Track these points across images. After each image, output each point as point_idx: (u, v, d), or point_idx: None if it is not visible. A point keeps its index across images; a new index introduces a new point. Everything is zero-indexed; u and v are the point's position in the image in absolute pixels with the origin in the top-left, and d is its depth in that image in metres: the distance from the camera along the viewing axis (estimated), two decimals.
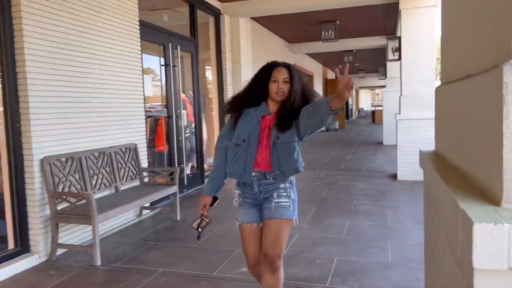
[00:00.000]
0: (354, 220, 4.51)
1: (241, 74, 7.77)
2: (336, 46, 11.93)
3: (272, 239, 2.16)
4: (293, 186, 2.28)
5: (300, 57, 13.62)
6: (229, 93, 7.62)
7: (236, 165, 2.19)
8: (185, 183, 6.07)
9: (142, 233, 4.32)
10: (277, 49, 10.83)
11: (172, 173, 4.87)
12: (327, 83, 19.36)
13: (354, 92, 31.74)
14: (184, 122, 6.40)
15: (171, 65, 5.79)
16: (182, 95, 7.01)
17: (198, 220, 2.26)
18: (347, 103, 20.02)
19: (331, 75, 20.92)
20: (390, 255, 3.49)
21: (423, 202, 1.95)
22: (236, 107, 2.27)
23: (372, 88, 37.77)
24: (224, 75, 7.55)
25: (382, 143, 11.77)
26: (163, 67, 5.75)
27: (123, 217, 4.51)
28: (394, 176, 6.77)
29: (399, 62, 6.93)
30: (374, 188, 6.06)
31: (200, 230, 2.26)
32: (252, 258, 2.27)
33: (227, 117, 2.35)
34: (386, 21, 9.75)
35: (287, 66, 2.23)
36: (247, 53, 8.09)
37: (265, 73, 2.20)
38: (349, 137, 14.39)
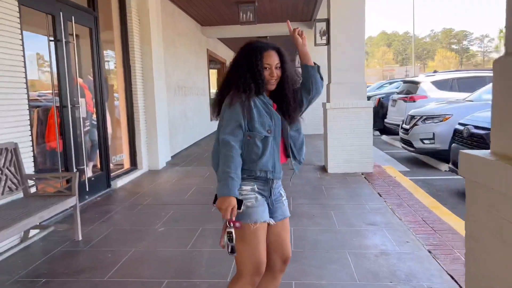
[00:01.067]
0: (298, 224, 3.88)
1: (152, 57, 6.70)
2: (251, 32, 11.30)
3: (288, 238, 2.06)
4: None
5: (213, 42, 12.74)
6: (138, 79, 6.51)
7: (265, 159, 1.87)
8: (87, 189, 4.92)
9: (28, 264, 3.18)
10: (189, 32, 9.83)
11: (69, 179, 3.75)
12: None
13: None
14: (82, 113, 5.21)
15: (63, 41, 4.57)
16: (79, 80, 5.78)
17: (228, 231, 1.76)
18: None
19: None
20: (354, 271, 2.90)
21: (467, 210, 1.38)
22: (245, 95, 1.87)
23: None
24: (132, 58, 6.41)
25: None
26: (52, 44, 4.50)
27: None
28: (323, 169, 6.35)
29: (326, 48, 6.48)
30: (308, 183, 5.53)
31: (233, 242, 1.76)
32: (264, 265, 1.90)
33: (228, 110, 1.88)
34: (306, 6, 9.35)
35: (277, 49, 1.97)
36: (157, 33, 7.02)
37: (257, 57, 1.89)
38: None
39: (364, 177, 5.82)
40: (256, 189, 1.89)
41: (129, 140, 6.51)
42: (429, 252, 3.19)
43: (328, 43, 6.32)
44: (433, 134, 6.44)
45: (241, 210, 1.78)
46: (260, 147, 1.86)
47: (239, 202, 1.78)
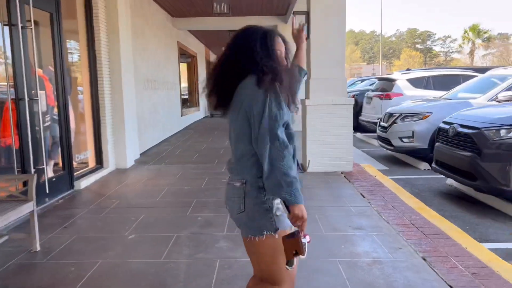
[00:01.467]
0: None
1: (119, 48, 6.23)
2: (224, 25, 10.94)
3: None
4: None
5: (183, 34, 12.26)
6: (105, 71, 6.04)
7: (294, 161, 1.61)
8: (46, 190, 4.45)
9: None
10: (159, 23, 9.35)
11: (26, 182, 3.31)
12: (209, 65, 18.28)
13: None
14: (42, 106, 4.74)
15: (19, 25, 4.08)
16: (39, 71, 5.29)
17: (303, 242, 1.54)
18: None
19: (213, 57, 19.93)
20: (348, 283, 2.65)
21: None
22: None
23: None
24: (98, 48, 5.93)
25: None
26: (6, 29, 4.01)
27: None
28: (302, 168, 6.11)
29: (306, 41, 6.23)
30: None
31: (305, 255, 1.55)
32: None
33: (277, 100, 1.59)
34: None
35: (281, 36, 1.78)
36: (126, 21, 6.55)
37: (273, 42, 1.70)
38: None
39: (344, 177, 5.63)
40: None
41: (94, 136, 6.03)
42: (424, 259, 2.99)
43: (308, 37, 6.06)
44: (413, 132, 6.33)
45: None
46: (292, 150, 1.61)
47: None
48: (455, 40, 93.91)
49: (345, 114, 5.85)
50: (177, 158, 7.22)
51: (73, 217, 4.04)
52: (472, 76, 8.67)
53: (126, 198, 4.76)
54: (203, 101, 16.21)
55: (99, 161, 6.10)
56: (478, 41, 33.36)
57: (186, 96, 14.17)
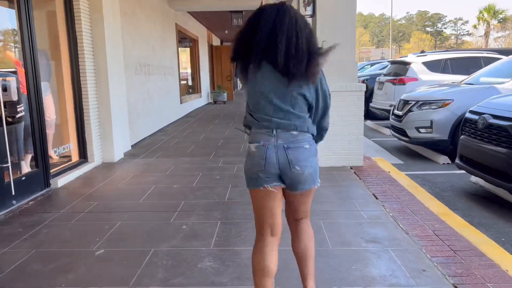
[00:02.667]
0: (282, 239, 3.00)
1: (104, 28, 5.59)
2: (225, 5, 10.22)
3: None
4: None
5: (182, 16, 11.56)
6: (88, 53, 5.43)
7: None
8: (12, 192, 3.90)
9: None
10: (153, 3, 8.67)
11: None
12: (212, 49, 17.58)
13: None
14: (13, 95, 4.18)
15: None
16: (9, 54, 4.74)
17: None
18: (232, 73, 18.60)
19: (216, 41, 19.18)
20: None
21: None
22: None
23: None
24: (78, 28, 5.30)
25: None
26: None
27: None
28: None
29: (311, 20, 5.54)
30: None
31: None
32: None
33: None
34: None
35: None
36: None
37: None
38: (240, 111, 12.98)
39: (354, 172, 5.01)
40: None
41: (77, 127, 5.45)
42: None
43: (313, 14, 5.37)
44: (431, 122, 5.65)
45: None
46: None
47: None
48: (467, 22, 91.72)
49: (356, 102, 5.20)
50: (171, 150, 6.64)
51: (38, 225, 3.48)
52: (495, 59, 7.92)
53: (106, 199, 4.19)
54: (205, 87, 15.54)
55: (83, 155, 5.54)
56: (494, 22, 32.05)
57: (186, 82, 13.52)
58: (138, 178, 4.98)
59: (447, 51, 11.29)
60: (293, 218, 2.08)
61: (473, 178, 4.62)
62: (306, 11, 5.49)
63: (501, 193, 4.16)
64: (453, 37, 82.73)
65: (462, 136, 4.20)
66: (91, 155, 5.58)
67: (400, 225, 3.33)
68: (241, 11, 12.08)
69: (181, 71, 11.65)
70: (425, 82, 7.75)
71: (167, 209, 3.83)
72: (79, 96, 5.42)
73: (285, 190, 1.94)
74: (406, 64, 8.41)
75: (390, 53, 49.92)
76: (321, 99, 1.94)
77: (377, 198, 4.03)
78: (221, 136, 7.95)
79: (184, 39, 13.41)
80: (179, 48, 11.60)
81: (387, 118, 9.20)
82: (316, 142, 2.00)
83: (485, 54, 8.38)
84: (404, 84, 8.06)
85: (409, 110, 5.96)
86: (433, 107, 5.72)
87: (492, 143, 3.61)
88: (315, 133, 1.97)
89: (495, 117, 3.65)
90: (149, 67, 8.12)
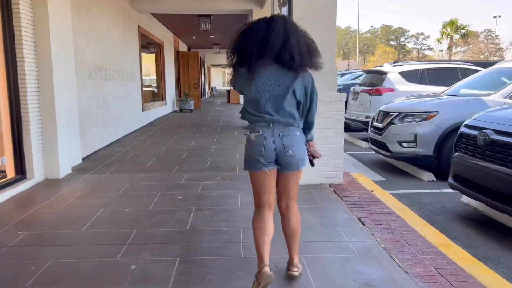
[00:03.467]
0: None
1: (49, 24, 4.84)
2: (192, 7, 9.60)
3: None
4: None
5: (146, 18, 10.82)
6: (29, 52, 4.65)
7: None
8: None
9: None
10: (114, 1, 7.92)
11: None
12: (179, 55, 16.84)
13: (206, 70, 29.91)
14: None
15: None
16: None
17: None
18: (200, 81, 17.86)
19: (183, 47, 18.46)
20: None
21: None
22: None
23: (223, 66, 36.49)
24: (16, 22, 4.53)
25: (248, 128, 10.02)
26: None
27: None
28: None
29: None
30: None
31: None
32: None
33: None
34: None
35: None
36: None
37: None
38: (208, 120, 12.30)
39: (334, 191, 4.47)
40: None
41: (13, 137, 4.64)
42: None
43: (289, 15, 4.84)
44: (415, 135, 5.22)
45: None
46: None
47: None
48: (428, 37, 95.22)
49: (335, 113, 4.69)
50: (127, 164, 5.89)
51: None
52: (471, 70, 7.69)
53: (40, 227, 3.43)
54: (170, 94, 14.78)
55: (20, 170, 4.72)
56: (456, 37, 32.98)
57: (150, 89, 12.73)
58: (84, 199, 4.23)
59: (424, 62, 11.11)
60: (284, 202, 2.43)
61: (465, 199, 4.18)
62: (281, 11, 4.97)
63: (502, 218, 3.72)
64: (415, 51, 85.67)
65: (457, 153, 3.75)
66: (31, 170, 4.77)
67: (397, 261, 2.79)
68: (209, 15, 11.48)
69: (144, 77, 10.88)
70: (402, 92, 7.40)
71: (114, 241, 3.13)
72: (16, 102, 4.62)
73: (278, 173, 2.33)
74: (382, 74, 8.06)
75: (357, 64, 50.88)
76: (309, 96, 2.38)
77: (364, 224, 3.49)
78: (185, 147, 7.26)
79: (149, 44, 12.65)
80: (143, 53, 10.85)
81: (362, 130, 8.81)
82: (306, 134, 2.43)
83: (461, 65, 8.16)
84: (380, 94, 7.68)
85: (390, 123, 5.51)
86: (416, 119, 5.29)
87: (497, 162, 3.16)
88: (302, 126, 2.38)
89: (499, 132, 3.20)
90: (106, 71, 7.35)
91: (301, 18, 4.64)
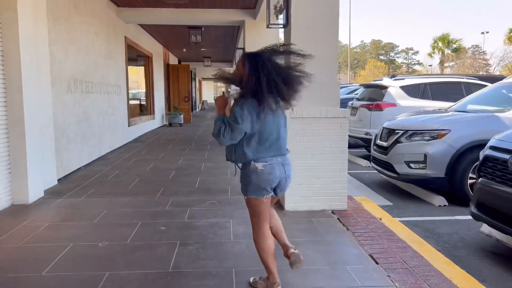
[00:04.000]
0: None
1: (18, 31, 4.33)
2: (181, 18, 9.16)
3: None
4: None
5: (134, 29, 10.35)
6: None
7: None
8: None
9: None
10: (96, 10, 7.44)
11: None
12: (169, 68, 16.37)
13: (197, 84, 29.48)
14: None
15: None
16: None
17: None
18: (190, 94, 17.42)
19: (173, 60, 18.00)
20: None
21: None
22: None
23: (214, 79, 36.06)
24: None
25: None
26: None
27: None
28: (278, 205, 4.40)
29: (282, 32, 4.58)
30: None
31: None
32: None
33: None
34: None
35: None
36: None
37: None
38: (198, 135, 11.78)
39: (338, 219, 3.97)
40: None
41: None
42: None
43: (287, 24, 4.39)
44: (425, 155, 4.76)
45: None
46: None
47: None
48: (417, 52, 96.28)
49: (338, 131, 4.21)
50: (107, 186, 5.34)
51: None
52: (476, 85, 7.32)
53: None
54: (159, 108, 14.26)
55: None
56: (447, 51, 33.02)
57: (138, 102, 12.20)
58: (53, 229, 3.67)
59: (424, 75, 10.76)
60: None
61: (486, 228, 3.70)
62: (277, 19, 4.52)
63: None
64: (404, 65, 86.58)
65: (482, 179, 3.28)
66: None
67: None
68: (200, 27, 11.06)
69: (132, 90, 10.37)
70: (404, 108, 6.99)
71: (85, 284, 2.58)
72: None
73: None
74: (383, 88, 7.65)
75: (348, 78, 51.03)
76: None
77: (377, 263, 2.99)
78: (173, 166, 6.72)
79: (137, 56, 12.17)
80: (130, 66, 10.35)
81: (361, 146, 8.37)
82: None
83: (465, 80, 7.79)
84: (381, 110, 7.26)
85: (397, 141, 5.05)
86: (426, 138, 4.83)
87: None
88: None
89: None
90: (88, 84, 6.82)
91: (300, 27, 4.21)
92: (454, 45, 32.66)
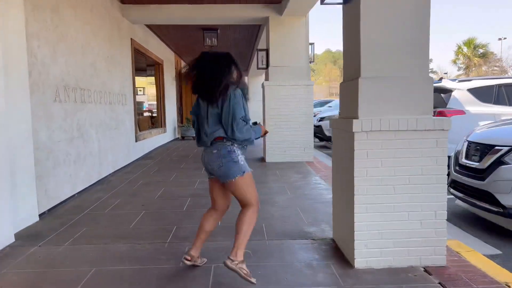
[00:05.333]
0: None
1: None
2: (195, 16, 7.95)
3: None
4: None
5: (141, 32, 9.16)
6: None
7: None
8: None
9: None
10: (98, 7, 6.26)
11: None
12: (181, 77, 15.18)
13: None
14: None
15: None
16: None
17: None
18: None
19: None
20: None
21: None
22: None
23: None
24: None
25: (264, 159, 8.21)
26: None
27: None
28: (343, 260, 3.05)
29: (348, 7, 3.26)
30: None
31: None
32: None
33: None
34: None
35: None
36: None
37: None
38: None
39: (440, 284, 2.59)
40: (242, 153, 2.67)
41: None
42: None
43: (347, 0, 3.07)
44: None
45: None
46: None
47: None
48: (431, 60, 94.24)
49: (433, 151, 2.86)
50: (102, 224, 4.04)
51: None
52: None
53: None
54: (171, 120, 13.02)
55: None
56: (470, 55, 31.34)
57: (148, 114, 11.01)
58: None
59: (494, 76, 9.33)
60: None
61: None
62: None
63: None
64: None
65: None
66: None
67: None
68: (215, 29, 9.84)
69: (139, 100, 9.15)
70: (474, 115, 5.61)
71: None
72: None
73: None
74: (444, 91, 6.25)
75: None
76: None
77: None
78: (187, 191, 5.41)
79: (147, 63, 10.99)
80: (138, 73, 9.16)
81: None
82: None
83: None
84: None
85: (500, 162, 3.64)
86: None
87: None
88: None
89: None
90: (83, 92, 5.58)
91: (375, 5, 2.89)
92: (481, 50, 30.98)
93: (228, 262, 2.48)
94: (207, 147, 2.64)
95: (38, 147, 4.25)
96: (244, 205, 2.64)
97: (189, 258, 2.74)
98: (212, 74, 2.52)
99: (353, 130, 2.82)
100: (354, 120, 2.82)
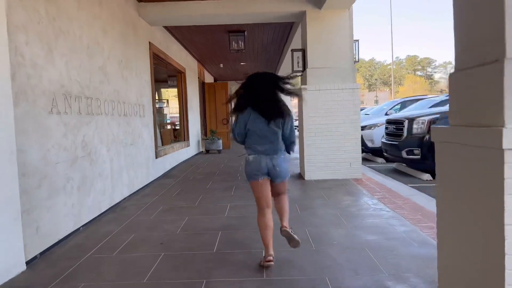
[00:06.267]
0: None
1: None
2: (220, 14, 6.95)
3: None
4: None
5: (161, 36, 8.23)
6: None
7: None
8: None
9: None
10: (110, 2, 5.34)
11: None
12: (204, 87, 14.28)
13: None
14: None
15: None
16: None
17: None
18: (229, 116, 14.97)
19: (208, 78, 15.91)
20: None
21: None
22: None
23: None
24: None
25: (302, 176, 7.08)
26: None
27: None
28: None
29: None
30: None
31: None
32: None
33: None
34: None
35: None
36: None
37: None
38: (242, 165, 9.36)
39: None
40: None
41: None
42: None
43: None
44: None
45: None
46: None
47: None
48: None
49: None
50: (108, 275, 2.99)
51: None
52: None
53: None
54: (194, 132, 12.06)
55: None
56: None
57: (172, 127, 10.05)
58: None
59: None
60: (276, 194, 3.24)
61: None
62: None
63: None
64: (443, 81, 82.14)
65: None
66: None
67: None
68: (242, 31, 8.85)
69: (161, 111, 8.18)
70: None
71: None
72: None
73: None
74: None
75: (392, 94, 48.58)
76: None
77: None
78: (217, 221, 4.33)
79: (169, 71, 10.09)
80: (158, 81, 8.22)
81: None
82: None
83: None
84: None
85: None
86: None
87: None
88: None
89: None
90: (90, 101, 4.61)
91: None
92: None
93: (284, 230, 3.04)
94: (274, 154, 3.08)
95: (27, 172, 3.27)
96: (283, 193, 3.23)
97: (271, 258, 2.99)
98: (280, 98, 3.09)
99: (503, 147, 1.68)
100: (504, 130, 1.68)
